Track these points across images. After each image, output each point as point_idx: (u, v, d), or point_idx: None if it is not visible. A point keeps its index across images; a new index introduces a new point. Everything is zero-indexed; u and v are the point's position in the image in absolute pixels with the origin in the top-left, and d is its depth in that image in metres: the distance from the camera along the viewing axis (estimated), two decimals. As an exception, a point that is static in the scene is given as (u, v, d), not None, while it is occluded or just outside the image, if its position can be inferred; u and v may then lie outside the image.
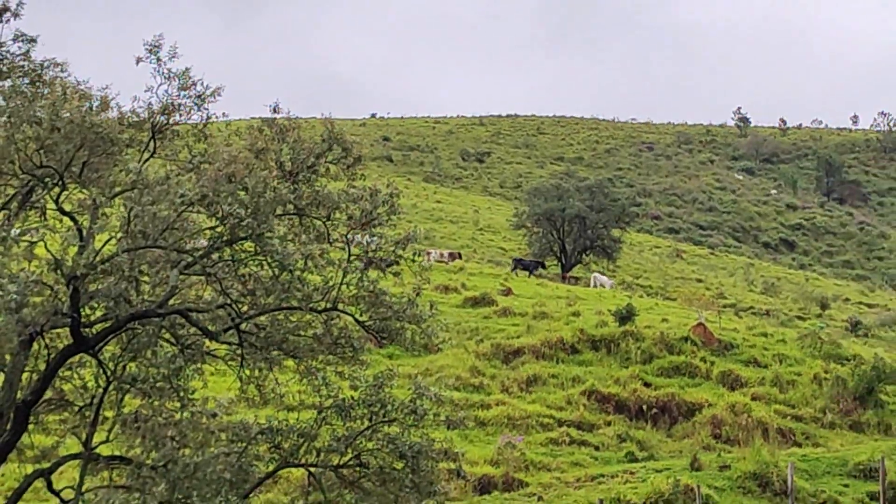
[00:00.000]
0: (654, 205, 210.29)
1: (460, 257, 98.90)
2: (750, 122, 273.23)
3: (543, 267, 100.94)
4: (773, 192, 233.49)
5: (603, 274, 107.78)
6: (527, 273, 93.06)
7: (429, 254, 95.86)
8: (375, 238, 36.05)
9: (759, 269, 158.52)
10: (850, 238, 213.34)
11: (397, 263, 36.53)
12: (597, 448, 54.31)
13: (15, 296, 31.51)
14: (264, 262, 34.07)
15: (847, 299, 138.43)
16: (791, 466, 48.11)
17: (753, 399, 58.52)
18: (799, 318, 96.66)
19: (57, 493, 35.33)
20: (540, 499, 47.24)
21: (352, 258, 35.15)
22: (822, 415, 58.81)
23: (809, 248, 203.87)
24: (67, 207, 35.42)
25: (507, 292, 76.75)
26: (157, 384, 35.96)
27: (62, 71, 36.50)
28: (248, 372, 36.20)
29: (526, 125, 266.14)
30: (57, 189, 35.62)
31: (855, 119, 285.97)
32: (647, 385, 59.18)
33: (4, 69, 36.46)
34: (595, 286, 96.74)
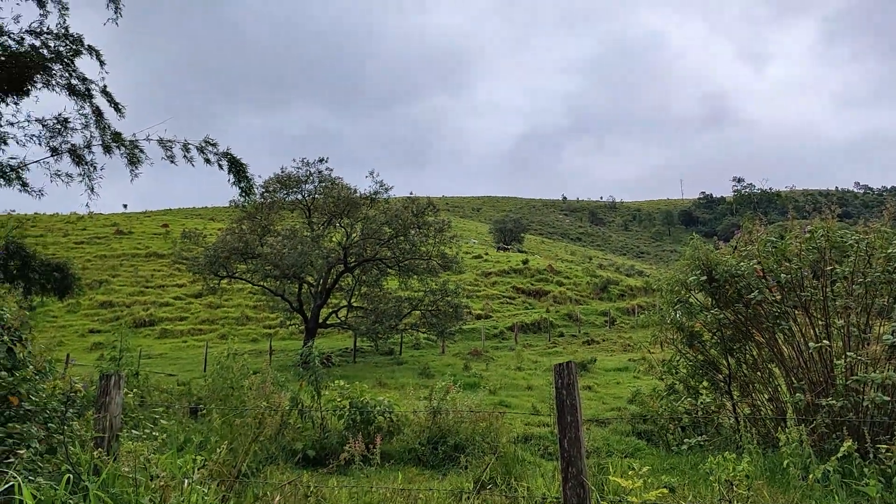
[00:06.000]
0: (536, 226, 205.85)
1: (508, 249, 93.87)
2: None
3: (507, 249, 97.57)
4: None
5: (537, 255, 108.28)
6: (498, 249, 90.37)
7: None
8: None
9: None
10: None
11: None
12: (512, 302, 53.85)
13: (326, 253, 32.45)
14: (407, 243, 34.76)
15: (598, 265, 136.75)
16: (579, 314, 48.23)
17: (564, 287, 58.38)
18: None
19: (337, 317, 36.09)
20: (490, 317, 46.79)
21: (435, 242, 35.75)
22: (588, 294, 58.28)
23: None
24: (343, 224, 36.12)
25: (487, 254, 76.52)
26: (372, 282, 36.81)
27: (342, 179, 36.89)
28: (400, 280, 36.83)
29: (493, 199, 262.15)
30: (337, 219, 36.38)
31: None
32: (532, 285, 58.80)
33: (319, 180, 36.74)
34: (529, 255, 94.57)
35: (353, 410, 10.43)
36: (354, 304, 36.00)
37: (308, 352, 11.10)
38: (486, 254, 75.08)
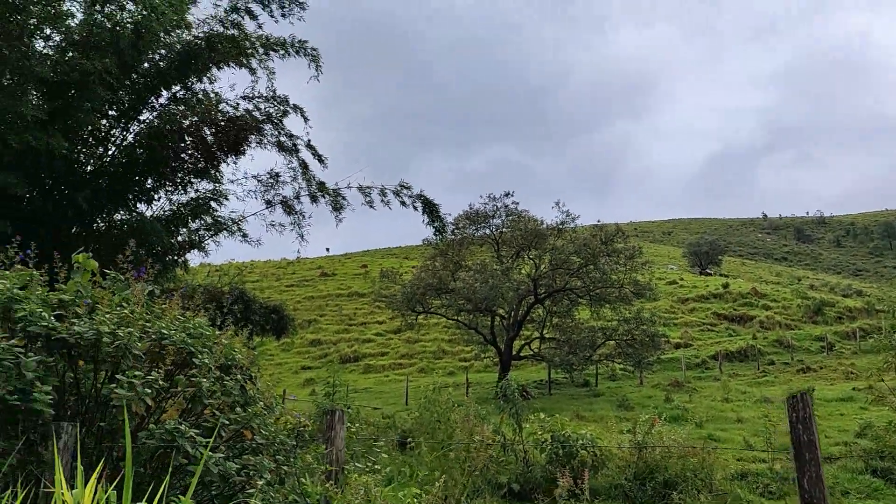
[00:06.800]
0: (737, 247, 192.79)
1: (710, 273, 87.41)
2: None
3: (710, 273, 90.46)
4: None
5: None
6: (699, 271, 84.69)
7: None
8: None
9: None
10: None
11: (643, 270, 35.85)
12: (713, 329, 50.76)
13: (516, 285, 32.59)
14: (597, 271, 34.07)
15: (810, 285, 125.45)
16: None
17: (771, 310, 54.13)
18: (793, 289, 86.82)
19: (530, 348, 35.94)
20: (690, 345, 44.35)
21: (626, 269, 34.80)
22: (799, 317, 53.48)
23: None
24: (531, 256, 36.14)
25: (682, 279, 72.74)
26: (563, 313, 36.39)
27: (528, 211, 36.99)
28: (592, 309, 36.01)
29: (685, 222, 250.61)
30: (525, 251, 36.44)
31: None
32: (735, 310, 54.92)
33: (506, 214, 36.96)
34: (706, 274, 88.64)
35: (555, 444, 10.29)
36: (547, 336, 35.79)
37: (507, 384, 11.15)
38: (682, 279, 71.77)
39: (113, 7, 12.98)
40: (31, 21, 12.02)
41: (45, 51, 12.92)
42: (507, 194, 36.89)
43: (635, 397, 29.21)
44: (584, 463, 10.20)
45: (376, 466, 5.42)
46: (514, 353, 35.33)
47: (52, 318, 4.82)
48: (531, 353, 35.97)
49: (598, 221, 37.70)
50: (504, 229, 37.22)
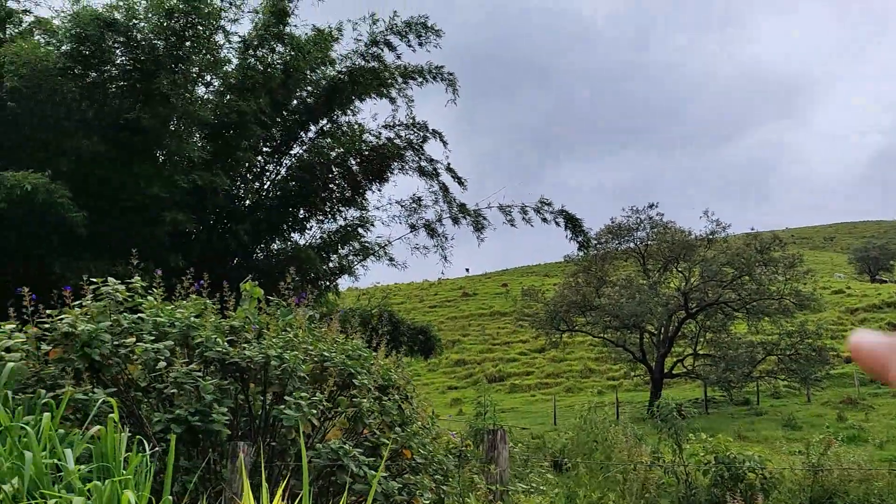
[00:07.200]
0: None
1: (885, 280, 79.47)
2: None
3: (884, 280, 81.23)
4: None
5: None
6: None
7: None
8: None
9: None
10: None
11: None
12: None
13: (665, 300, 31.45)
14: (753, 282, 32.28)
15: None
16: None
17: None
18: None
19: (683, 366, 34.57)
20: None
21: (785, 279, 32.76)
22: None
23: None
24: (680, 269, 34.74)
25: (849, 287, 66.93)
26: (718, 328, 34.61)
27: (674, 222, 35.63)
28: (749, 323, 34.07)
29: (849, 225, 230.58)
30: (673, 264, 35.10)
31: None
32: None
33: (651, 226, 35.88)
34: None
35: (719, 466, 9.76)
36: (701, 352, 34.24)
37: (663, 403, 10.74)
38: (849, 287, 66.24)
39: (264, 50, 13.89)
40: (194, 70, 13.08)
41: (206, 96, 14.01)
42: (651, 205, 35.81)
43: (802, 416, 27.42)
44: (753, 486, 9.60)
45: (541, 487, 5.34)
46: (665, 370, 34.06)
47: (225, 343, 5.16)
48: (684, 370, 34.53)
49: (752, 229, 35.88)
50: (649, 242, 36.11)
